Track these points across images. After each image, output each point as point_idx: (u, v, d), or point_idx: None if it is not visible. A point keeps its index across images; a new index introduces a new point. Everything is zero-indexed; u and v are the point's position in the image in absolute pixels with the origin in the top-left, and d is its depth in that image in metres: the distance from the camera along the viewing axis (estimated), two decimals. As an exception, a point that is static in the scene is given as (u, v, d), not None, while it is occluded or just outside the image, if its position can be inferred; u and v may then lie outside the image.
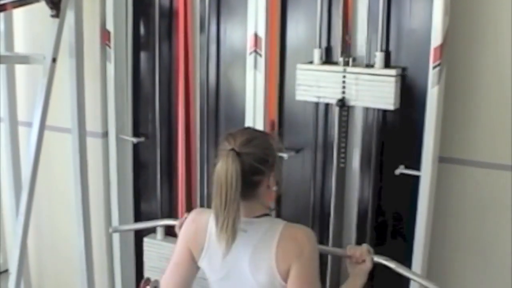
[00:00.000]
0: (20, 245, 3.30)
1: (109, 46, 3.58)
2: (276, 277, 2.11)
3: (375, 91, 2.88)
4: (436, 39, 2.72)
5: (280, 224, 2.17)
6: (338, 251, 2.83)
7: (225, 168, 2.04)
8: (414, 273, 2.62)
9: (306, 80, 3.01)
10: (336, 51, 3.08)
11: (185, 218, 2.47)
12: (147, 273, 3.66)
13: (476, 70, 2.94)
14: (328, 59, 3.11)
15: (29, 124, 3.46)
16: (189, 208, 3.46)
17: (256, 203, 2.18)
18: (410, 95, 2.94)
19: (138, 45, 3.69)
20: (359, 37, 3.04)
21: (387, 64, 2.93)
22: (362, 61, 3.02)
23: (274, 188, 2.21)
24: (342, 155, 3.12)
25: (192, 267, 2.34)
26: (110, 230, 3.10)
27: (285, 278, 2.11)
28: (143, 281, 3.49)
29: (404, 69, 2.93)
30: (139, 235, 3.80)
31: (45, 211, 4.19)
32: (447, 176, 3.05)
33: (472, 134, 3.00)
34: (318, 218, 3.26)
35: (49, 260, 4.38)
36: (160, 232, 3.64)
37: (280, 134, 3.26)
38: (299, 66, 3.05)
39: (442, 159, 2.98)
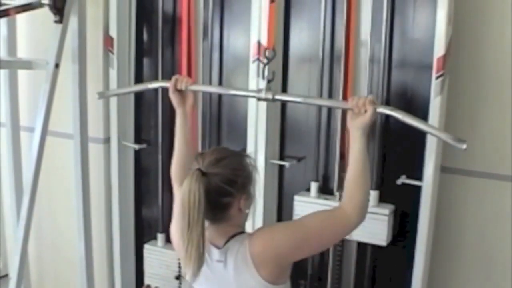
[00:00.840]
0: (21, 250, 3.30)
1: (112, 52, 3.59)
2: (261, 283, 2.05)
3: (369, 227, 2.90)
4: (439, 49, 2.72)
5: (245, 242, 2.06)
6: (339, 103, 2.77)
7: (188, 188, 1.96)
8: (425, 123, 2.31)
9: (303, 211, 3.01)
10: (333, 183, 3.18)
11: (176, 79, 2.43)
12: (147, 280, 3.67)
13: (478, 80, 2.95)
14: (325, 189, 3.22)
15: (31, 129, 3.46)
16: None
17: (227, 226, 2.09)
18: (413, 105, 2.94)
19: (141, 51, 3.70)
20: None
21: (380, 198, 3.05)
22: None
23: (247, 210, 2.13)
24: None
25: None
26: (97, 96, 2.93)
27: (279, 279, 2.06)
28: (143, 288, 3.50)
29: (396, 205, 3.05)
30: (140, 242, 3.80)
31: (46, 216, 4.19)
32: (449, 186, 3.05)
33: (474, 145, 2.99)
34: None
35: (49, 265, 4.37)
36: (160, 239, 3.65)
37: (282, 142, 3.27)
38: (297, 197, 3.14)
39: (444, 169, 2.98)
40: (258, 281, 2.04)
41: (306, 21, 3.17)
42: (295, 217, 3.14)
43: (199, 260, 1.99)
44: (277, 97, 2.37)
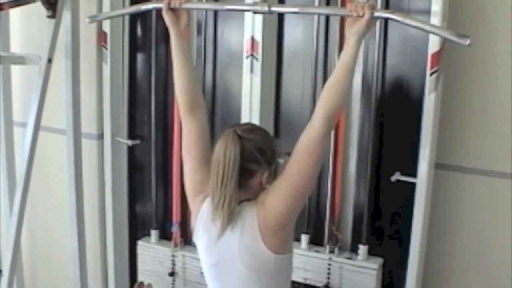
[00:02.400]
0: (13, 245, 3.30)
1: (106, 48, 3.57)
2: (268, 255, 2.11)
3: (358, 280, 3.07)
4: (433, 45, 2.71)
5: (254, 206, 2.15)
6: (337, 10, 2.77)
7: (224, 146, 2.06)
8: (425, 23, 2.26)
9: (294, 263, 3.06)
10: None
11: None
12: (140, 277, 3.66)
13: (474, 76, 2.94)
14: (316, 240, 3.28)
15: (24, 125, 3.45)
16: (184, 211, 3.45)
17: (244, 194, 2.16)
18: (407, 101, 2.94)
19: (135, 47, 3.68)
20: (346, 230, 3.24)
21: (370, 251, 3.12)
22: (347, 246, 3.23)
23: (267, 186, 2.19)
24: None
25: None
26: (87, 20, 2.87)
27: (278, 245, 2.12)
28: (136, 285, 3.49)
29: (385, 260, 3.11)
30: (133, 239, 3.79)
31: (39, 212, 4.18)
32: (443, 183, 3.04)
33: (469, 141, 3.00)
34: (313, 223, 3.26)
35: (42, 262, 4.37)
36: (154, 236, 3.64)
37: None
38: None
39: (438, 166, 2.98)
40: (263, 251, 2.11)
41: (300, 15, 3.16)
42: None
43: (230, 216, 2.10)
44: (273, 8, 2.34)
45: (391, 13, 2.12)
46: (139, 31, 3.67)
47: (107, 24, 3.54)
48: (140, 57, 3.69)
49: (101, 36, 3.59)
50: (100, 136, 3.76)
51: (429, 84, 2.75)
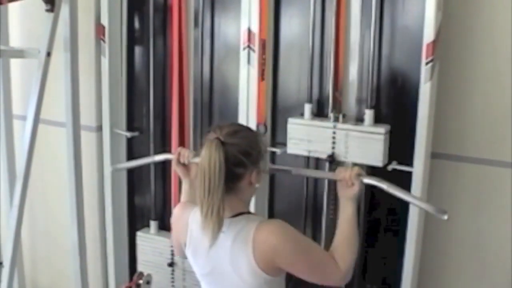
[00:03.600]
0: (14, 237, 3.31)
1: (104, 41, 3.59)
2: (259, 274, 2.09)
3: (364, 147, 2.96)
4: (428, 35, 2.72)
5: (253, 224, 2.12)
6: (328, 175, 2.84)
7: (208, 155, 2.04)
8: (411, 195, 2.47)
9: (297, 134, 3.04)
10: (327, 105, 3.14)
11: (178, 153, 2.49)
12: (140, 267, 3.69)
13: (469, 65, 2.95)
14: (319, 112, 3.18)
15: (23, 118, 3.46)
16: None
17: (235, 198, 2.15)
18: (403, 91, 2.96)
19: (133, 39, 3.70)
20: (350, 95, 3.13)
21: (376, 119, 3.02)
22: (352, 114, 3.12)
23: (257, 185, 2.20)
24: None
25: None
26: (111, 168, 3.01)
27: (270, 272, 2.10)
28: (136, 275, 3.51)
29: (392, 125, 3.01)
30: (133, 229, 3.81)
31: (39, 204, 4.20)
32: (440, 172, 3.05)
33: (465, 130, 3.00)
34: (310, 215, 3.28)
35: (43, 253, 4.39)
36: (153, 227, 3.67)
37: (274, 130, 3.28)
38: (290, 120, 3.11)
39: (434, 155, 2.98)
40: (251, 264, 2.08)
41: (296, 8, 3.18)
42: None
43: (219, 225, 2.08)
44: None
45: (378, 181, 2.28)
46: (137, 24, 3.69)
47: (105, 17, 3.56)
48: (138, 50, 3.71)
49: (100, 29, 3.61)
50: (99, 128, 3.79)
51: (424, 73, 2.76)
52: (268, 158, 2.24)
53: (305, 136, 3.08)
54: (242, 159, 2.09)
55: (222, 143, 2.06)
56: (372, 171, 2.96)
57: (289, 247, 2.09)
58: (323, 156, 3.05)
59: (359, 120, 3.05)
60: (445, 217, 2.14)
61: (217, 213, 2.05)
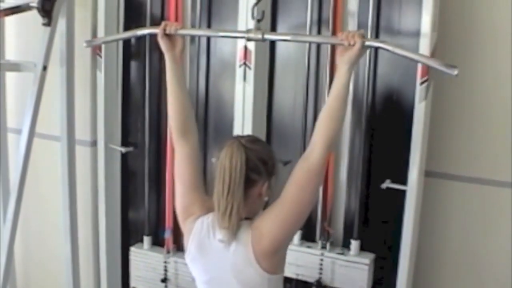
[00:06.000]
0: (7, 252, 3.29)
1: (100, 56, 3.59)
2: (261, 274, 2.11)
3: (350, 275, 3.11)
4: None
5: (248, 227, 2.14)
6: (329, 39, 2.79)
7: (230, 154, 2.07)
8: (417, 54, 2.39)
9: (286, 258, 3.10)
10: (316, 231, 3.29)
11: (165, 24, 2.45)
12: (133, 283, 3.67)
13: (464, 85, 2.96)
14: (308, 236, 3.30)
15: (18, 131, 3.45)
16: (176, 218, 3.45)
17: (244, 206, 2.13)
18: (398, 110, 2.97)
19: (129, 55, 3.70)
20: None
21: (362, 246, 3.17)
22: (338, 242, 3.27)
23: (266, 198, 2.20)
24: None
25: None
26: (84, 44, 2.90)
27: (272, 268, 2.13)
28: (129, 291, 3.50)
29: (377, 254, 3.15)
30: (126, 245, 3.80)
31: (33, 218, 4.19)
32: (433, 191, 3.07)
33: (458, 149, 3.03)
34: (304, 229, 3.27)
35: (36, 267, 4.37)
36: (146, 242, 3.66)
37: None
38: None
39: (428, 174, 3.00)
40: (258, 272, 2.12)
41: (293, 7, 3.21)
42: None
43: (237, 224, 2.11)
44: (267, 36, 2.37)
45: (381, 42, 2.19)
46: (133, 39, 3.69)
47: (101, 32, 3.56)
48: (134, 65, 3.71)
49: (96, 44, 3.61)
50: (94, 143, 3.78)
51: (419, 93, 2.78)
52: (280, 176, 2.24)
53: (293, 260, 3.20)
54: (259, 166, 2.13)
55: (244, 146, 2.10)
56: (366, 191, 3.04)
57: (268, 217, 2.14)
58: (311, 280, 3.20)
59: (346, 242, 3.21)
60: (455, 72, 2.06)
61: (237, 211, 2.08)
